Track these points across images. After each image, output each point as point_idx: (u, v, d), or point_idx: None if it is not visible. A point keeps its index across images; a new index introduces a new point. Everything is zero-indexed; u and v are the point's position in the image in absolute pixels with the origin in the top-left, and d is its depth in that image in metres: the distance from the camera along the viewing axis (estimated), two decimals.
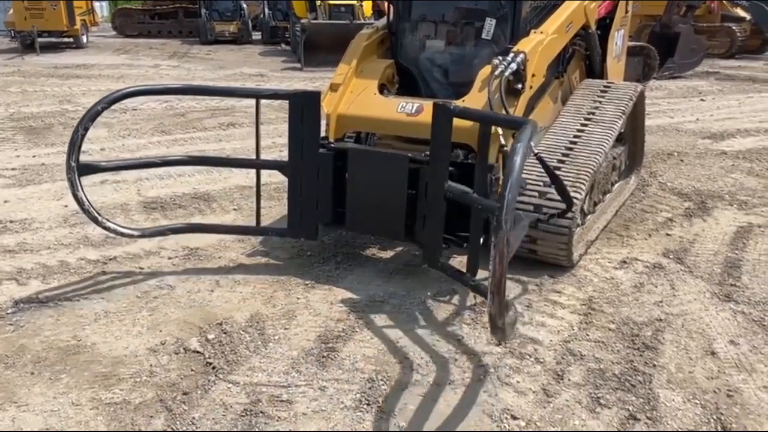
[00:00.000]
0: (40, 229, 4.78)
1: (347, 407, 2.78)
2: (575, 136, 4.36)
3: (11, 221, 4.91)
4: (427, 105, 3.93)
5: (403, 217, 3.82)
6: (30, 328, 3.40)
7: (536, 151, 3.75)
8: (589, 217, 4.59)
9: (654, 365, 3.11)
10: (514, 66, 3.88)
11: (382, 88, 4.49)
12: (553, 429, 2.68)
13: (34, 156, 6.86)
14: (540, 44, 4.14)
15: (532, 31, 4.30)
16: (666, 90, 11.54)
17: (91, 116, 3.57)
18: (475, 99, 3.96)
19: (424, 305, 3.68)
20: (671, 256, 4.37)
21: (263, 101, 4.10)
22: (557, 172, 3.93)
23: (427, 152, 3.70)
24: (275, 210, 5.18)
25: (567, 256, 4.02)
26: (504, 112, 3.75)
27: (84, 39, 19.52)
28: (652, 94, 10.45)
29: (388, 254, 4.40)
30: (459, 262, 4.23)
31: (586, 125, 4.46)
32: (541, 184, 3.94)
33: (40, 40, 17.68)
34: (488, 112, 3.72)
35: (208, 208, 5.26)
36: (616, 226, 4.87)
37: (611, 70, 5.53)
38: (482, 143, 3.53)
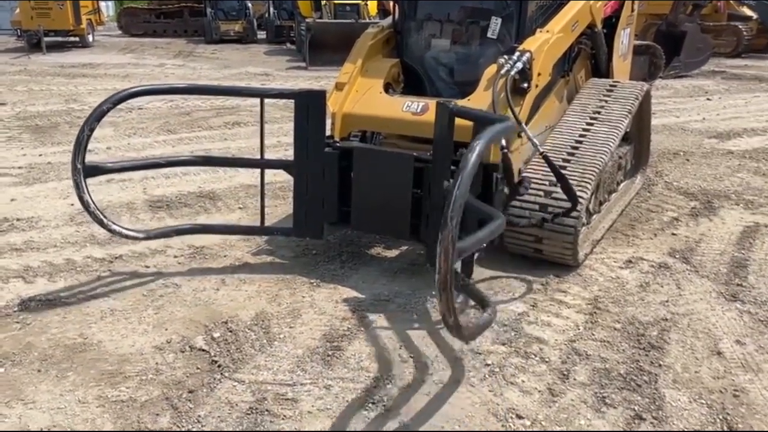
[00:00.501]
0: (47, 227, 4.80)
1: (352, 406, 2.79)
2: (581, 135, 4.35)
3: (18, 219, 4.93)
4: (433, 104, 3.92)
5: (409, 216, 3.82)
6: (37, 325, 3.41)
7: (542, 150, 3.75)
8: (594, 216, 4.59)
9: (660, 365, 3.10)
10: (519, 65, 3.87)
11: (388, 87, 4.48)
12: (558, 428, 2.67)
13: (40, 155, 6.89)
14: (546, 43, 4.13)
15: (538, 30, 4.29)
16: (672, 89, 11.50)
17: (96, 116, 3.57)
18: (480, 98, 3.96)
19: (430, 304, 3.67)
20: (677, 256, 4.36)
21: (268, 100, 4.11)
22: (563, 171, 3.92)
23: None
24: (280, 209, 5.19)
25: (572, 255, 4.01)
26: (510, 111, 3.74)
27: (90, 38, 19.59)
28: (658, 93, 10.42)
29: (393, 253, 4.40)
30: None
31: (591, 124, 4.45)
32: (547, 183, 3.94)
33: (46, 39, 17.74)
34: (480, 112, 3.65)
35: (213, 207, 5.27)
36: (622, 226, 4.86)
37: (617, 69, 5.51)
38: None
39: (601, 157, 4.17)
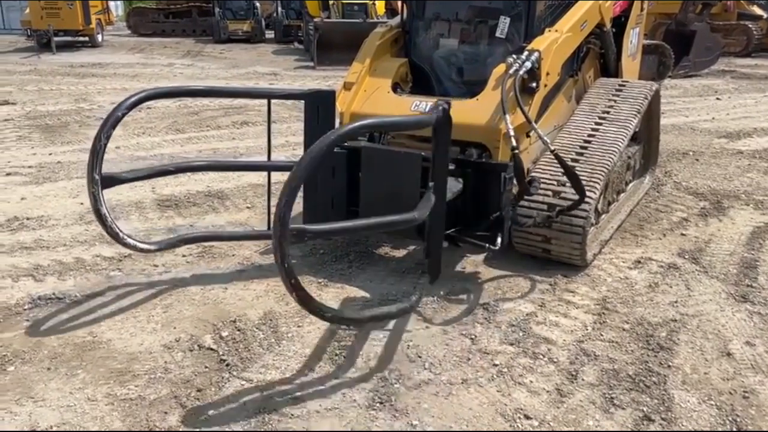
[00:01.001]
0: (57, 226, 4.83)
1: (360, 405, 2.79)
2: (589, 135, 4.34)
3: (28, 218, 4.96)
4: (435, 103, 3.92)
5: None
6: (46, 324, 3.43)
7: (553, 148, 3.73)
8: (603, 216, 4.57)
9: (669, 366, 3.09)
10: (528, 64, 3.86)
11: (396, 87, 4.49)
12: (566, 429, 2.67)
13: (50, 154, 6.93)
14: (554, 43, 4.11)
15: (547, 29, 4.28)
16: (681, 89, 11.45)
17: (111, 124, 3.46)
18: (488, 98, 3.95)
19: (437, 304, 3.67)
20: (686, 256, 4.34)
21: (276, 100, 4.10)
22: (571, 172, 3.91)
23: None
24: None
25: (581, 255, 4.00)
26: (519, 110, 3.73)
27: (99, 38, 19.70)
28: (667, 93, 10.37)
29: (400, 253, 4.40)
30: (472, 261, 4.23)
31: (600, 124, 4.44)
32: (555, 183, 3.93)
33: (56, 39, 17.86)
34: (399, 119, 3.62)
35: (221, 206, 5.29)
36: (631, 226, 4.84)
37: (626, 68, 5.49)
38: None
39: (610, 157, 4.15)
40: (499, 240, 3.70)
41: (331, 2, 15.85)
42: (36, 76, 13.10)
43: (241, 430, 2.64)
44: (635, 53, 5.88)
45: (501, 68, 3.97)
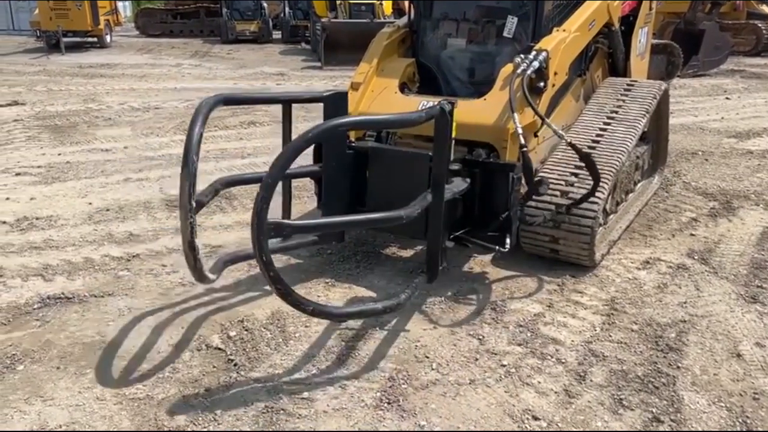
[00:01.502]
0: (66, 226, 4.85)
1: (368, 405, 2.79)
2: (598, 135, 4.32)
3: (37, 218, 4.99)
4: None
5: (424, 215, 3.81)
6: (56, 323, 3.45)
7: (569, 140, 3.72)
8: (611, 216, 4.55)
9: (678, 367, 3.07)
10: (536, 64, 3.85)
11: (403, 87, 4.48)
12: (575, 430, 2.66)
13: (59, 154, 6.96)
14: (562, 42, 4.10)
15: (555, 29, 4.27)
16: (690, 88, 11.38)
17: (197, 141, 2.90)
18: (496, 97, 3.94)
19: (445, 304, 3.67)
20: (696, 257, 4.31)
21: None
22: (579, 172, 3.90)
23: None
24: (296, 208, 5.18)
25: (589, 255, 3.98)
26: (530, 108, 3.72)
27: (108, 38, 19.78)
28: (676, 93, 10.32)
29: (408, 253, 4.40)
30: (480, 261, 4.22)
31: (609, 124, 4.42)
32: (563, 183, 3.91)
33: (64, 39, 17.95)
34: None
35: (229, 206, 5.30)
36: (639, 226, 4.82)
37: (635, 68, 5.47)
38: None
39: (619, 157, 4.13)
40: (508, 241, 3.69)
41: (338, 2, 15.85)
42: (45, 77, 13.18)
43: (249, 429, 2.65)
44: (644, 53, 5.85)
45: (509, 68, 3.96)
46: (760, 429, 2.67)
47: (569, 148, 4.19)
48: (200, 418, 2.70)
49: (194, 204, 2.81)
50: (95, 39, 19.44)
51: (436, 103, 4.07)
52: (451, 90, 4.59)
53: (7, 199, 5.46)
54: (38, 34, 19.68)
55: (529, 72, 3.81)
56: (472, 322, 3.48)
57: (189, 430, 2.64)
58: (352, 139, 4.22)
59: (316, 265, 4.18)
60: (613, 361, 3.12)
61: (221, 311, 3.58)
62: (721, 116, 9.00)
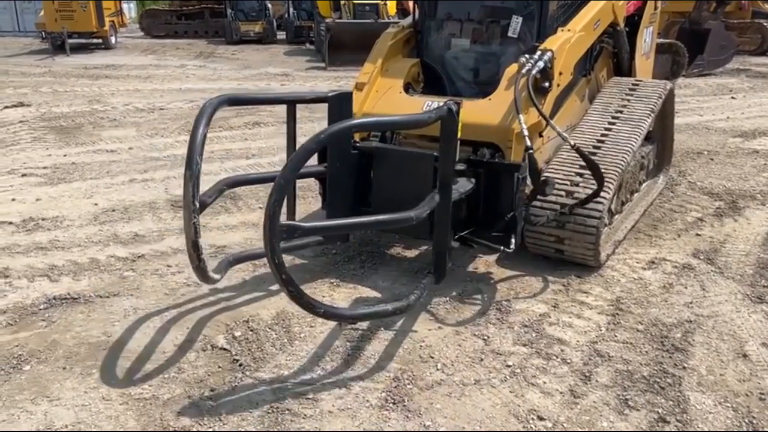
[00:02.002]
0: (71, 226, 4.87)
1: (373, 406, 2.79)
2: (603, 135, 4.31)
3: (43, 219, 5.01)
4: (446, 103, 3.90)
5: (428, 216, 3.81)
6: (61, 323, 3.46)
7: (574, 143, 3.71)
8: (616, 216, 4.54)
9: (684, 367, 3.06)
10: (541, 64, 3.84)
11: (408, 87, 4.48)
12: (580, 431, 2.65)
13: (65, 155, 6.99)
14: (567, 42, 4.09)
15: (560, 28, 4.26)
16: (695, 88, 11.35)
17: (201, 142, 2.94)
18: (501, 97, 3.94)
19: (450, 304, 3.67)
20: (701, 257, 4.30)
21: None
22: (584, 172, 3.89)
23: None
24: (301, 208, 5.19)
25: (594, 256, 3.97)
26: (535, 108, 3.71)
27: (113, 40, 19.85)
28: (681, 92, 10.29)
29: (412, 253, 4.40)
30: (485, 262, 4.22)
31: (614, 124, 4.41)
32: (568, 183, 3.91)
33: (70, 41, 18.01)
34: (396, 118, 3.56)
35: (234, 206, 5.31)
36: (645, 226, 4.81)
37: (640, 67, 5.45)
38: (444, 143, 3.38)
39: (624, 157, 4.12)
40: (513, 241, 3.69)
41: (342, 3, 15.87)
42: (50, 78, 13.23)
43: (254, 429, 2.65)
44: (649, 52, 5.84)
45: (513, 68, 3.95)
46: (766, 430, 2.66)
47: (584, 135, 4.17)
48: (205, 419, 2.70)
49: (198, 204, 2.85)
50: (100, 40, 19.51)
51: (441, 103, 4.08)
52: (455, 90, 4.59)
53: (13, 200, 5.48)
54: (43, 36, 19.77)
55: (534, 72, 3.81)
56: (477, 322, 3.48)
57: (194, 430, 2.64)
58: (357, 140, 4.22)
59: (320, 265, 4.19)
60: (619, 361, 3.11)
61: (226, 311, 3.58)
62: (727, 116, 8.97)
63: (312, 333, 3.36)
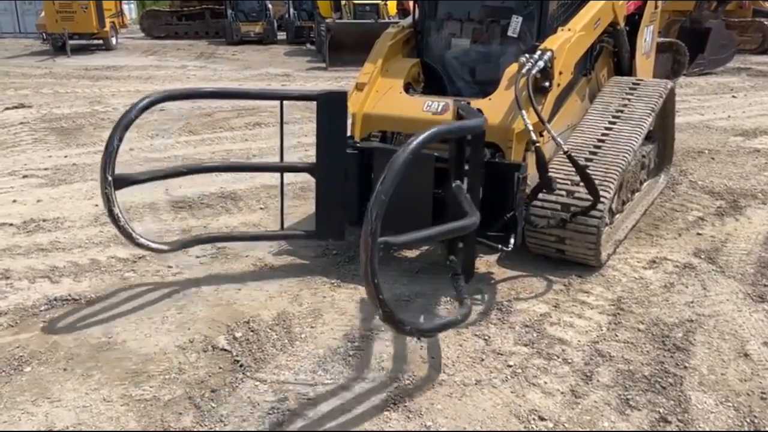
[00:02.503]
0: (72, 227, 4.87)
1: (373, 406, 2.79)
2: (603, 134, 4.30)
3: (44, 220, 5.01)
4: (453, 104, 3.91)
5: (430, 216, 3.81)
6: (62, 325, 3.46)
7: (566, 148, 3.71)
8: (617, 216, 4.54)
9: (685, 367, 3.06)
10: (541, 64, 3.84)
11: (408, 87, 4.48)
12: (581, 431, 2.65)
13: (65, 156, 7.00)
14: (567, 42, 4.09)
15: (560, 28, 4.26)
16: (696, 87, 11.34)
17: (124, 126, 3.51)
18: (501, 97, 3.93)
19: (451, 304, 3.66)
20: (702, 256, 4.29)
21: (288, 102, 4.10)
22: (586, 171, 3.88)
23: None
24: (301, 209, 5.21)
25: (595, 255, 3.97)
26: (532, 109, 3.71)
27: (113, 41, 19.84)
28: (681, 91, 10.27)
29: (413, 254, 4.39)
30: (486, 262, 4.21)
31: (614, 123, 4.40)
32: (569, 182, 3.90)
33: (70, 42, 18.01)
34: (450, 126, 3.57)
35: (234, 207, 5.31)
36: (646, 226, 4.80)
37: (640, 67, 5.45)
38: (457, 157, 3.42)
39: (624, 156, 4.12)
40: (512, 241, 3.69)
41: (342, 3, 15.85)
42: (51, 79, 13.23)
43: (255, 430, 2.65)
44: (649, 51, 5.83)
45: (513, 68, 3.95)
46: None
47: (575, 146, 4.18)
48: (206, 419, 2.70)
49: (111, 178, 3.37)
50: (101, 41, 19.50)
51: (443, 103, 4.08)
52: (455, 90, 4.59)
53: (14, 201, 5.49)
54: (44, 37, 19.76)
55: (534, 72, 3.80)
56: (478, 322, 3.48)
57: (195, 431, 2.64)
58: (357, 139, 4.22)
59: (321, 265, 4.18)
60: (620, 361, 3.11)
61: (227, 312, 3.58)
62: (728, 114, 8.96)
63: (313, 334, 3.36)
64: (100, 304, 3.69)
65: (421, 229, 3.85)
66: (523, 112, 3.62)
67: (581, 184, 3.81)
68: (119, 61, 16.60)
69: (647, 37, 5.61)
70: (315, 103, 3.94)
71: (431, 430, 2.65)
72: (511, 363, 3.09)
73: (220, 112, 9.37)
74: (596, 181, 3.75)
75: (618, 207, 4.54)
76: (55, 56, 17.64)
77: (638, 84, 4.83)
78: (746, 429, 2.66)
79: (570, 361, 3.11)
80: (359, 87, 4.38)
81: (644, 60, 5.63)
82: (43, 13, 19.27)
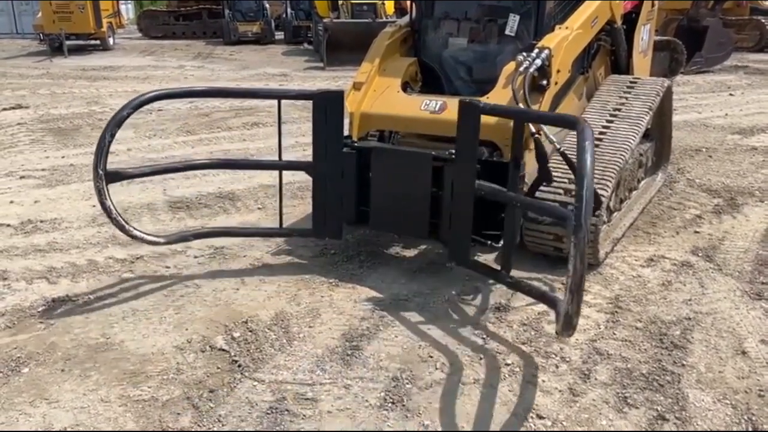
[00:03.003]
0: (70, 228, 4.87)
1: (372, 406, 2.79)
2: (601, 133, 4.30)
3: (41, 221, 5.00)
4: (451, 102, 3.91)
5: (427, 215, 3.81)
6: (60, 326, 3.46)
7: (560, 148, 3.72)
8: (615, 214, 4.54)
9: (683, 365, 3.06)
10: (538, 62, 3.84)
11: (405, 86, 4.48)
12: (579, 429, 2.65)
13: (63, 157, 6.99)
14: (565, 40, 4.09)
15: (557, 26, 4.26)
16: (694, 85, 11.35)
17: (117, 122, 3.56)
18: (499, 96, 3.93)
19: (449, 304, 3.66)
20: (700, 254, 4.30)
21: (285, 101, 4.11)
22: None
23: (451, 150, 3.68)
24: (299, 209, 5.20)
25: (593, 254, 3.97)
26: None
27: (110, 41, 19.81)
28: (679, 89, 10.29)
29: (411, 253, 4.39)
30: (484, 260, 4.21)
31: (612, 121, 4.40)
32: (566, 181, 3.90)
33: (68, 42, 17.99)
34: (517, 108, 3.68)
35: (232, 207, 5.31)
36: (643, 224, 4.81)
37: (637, 65, 5.45)
38: (515, 140, 3.47)
39: (622, 155, 4.12)
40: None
41: (340, 2, 15.84)
42: (48, 80, 13.21)
43: (253, 430, 2.65)
44: (646, 50, 5.84)
45: (511, 66, 3.95)
46: (765, 426, 2.66)
47: (572, 144, 4.17)
48: (204, 420, 2.70)
49: (103, 172, 3.45)
50: (98, 41, 19.47)
51: (440, 102, 4.08)
52: (453, 89, 4.58)
53: (11, 202, 5.48)
54: (41, 37, 19.72)
55: (531, 70, 3.81)
56: (476, 321, 3.48)
57: (193, 431, 2.64)
58: (354, 139, 4.22)
59: (319, 265, 4.18)
60: (618, 359, 3.11)
61: (225, 312, 3.58)
62: (725, 113, 8.97)
63: (311, 333, 3.36)
64: (98, 305, 3.68)
65: (420, 228, 3.89)
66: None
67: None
68: (116, 61, 16.58)
69: (644, 36, 5.62)
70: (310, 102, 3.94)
71: (429, 429, 2.65)
72: (509, 361, 3.09)
73: (218, 112, 9.37)
74: (594, 180, 3.74)
75: (616, 205, 4.54)
76: (52, 57, 17.61)
77: (636, 82, 4.84)
78: (743, 426, 2.66)
79: (568, 359, 3.11)
80: (357, 86, 4.38)
81: (641, 58, 5.63)
82: (40, 14, 19.23)
